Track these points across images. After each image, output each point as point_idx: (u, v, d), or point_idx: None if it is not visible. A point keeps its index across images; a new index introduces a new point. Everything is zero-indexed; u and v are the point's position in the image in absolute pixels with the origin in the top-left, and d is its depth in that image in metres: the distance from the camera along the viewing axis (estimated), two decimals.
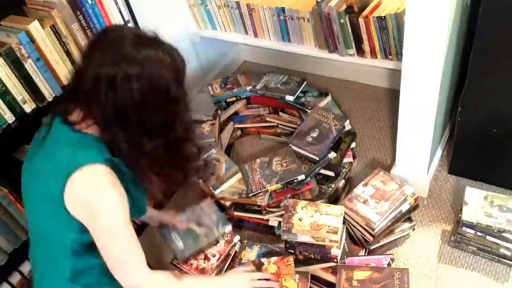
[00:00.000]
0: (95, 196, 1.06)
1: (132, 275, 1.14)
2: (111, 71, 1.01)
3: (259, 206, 1.86)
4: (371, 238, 1.69)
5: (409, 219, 1.80)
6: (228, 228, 1.73)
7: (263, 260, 1.67)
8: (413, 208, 1.77)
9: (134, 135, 1.07)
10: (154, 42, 1.10)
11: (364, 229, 1.70)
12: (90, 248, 1.13)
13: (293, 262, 1.64)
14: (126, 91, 1.01)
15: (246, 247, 1.79)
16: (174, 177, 1.21)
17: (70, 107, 1.12)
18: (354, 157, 2.07)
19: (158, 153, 1.10)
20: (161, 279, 1.20)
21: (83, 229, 1.10)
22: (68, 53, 1.58)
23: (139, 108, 1.04)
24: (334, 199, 1.91)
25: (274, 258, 1.67)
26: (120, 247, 1.11)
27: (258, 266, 1.65)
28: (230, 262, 1.73)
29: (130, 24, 1.76)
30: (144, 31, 1.13)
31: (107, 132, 1.07)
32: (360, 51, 1.93)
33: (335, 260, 1.62)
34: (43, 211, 1.12)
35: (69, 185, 1.03)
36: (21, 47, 1.43)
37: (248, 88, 2.19)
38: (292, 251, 1.67)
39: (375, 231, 1.66)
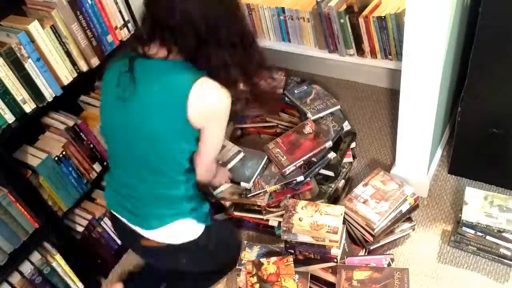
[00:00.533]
0: (215, 98, 1.26)
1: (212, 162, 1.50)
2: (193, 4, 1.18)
3: (259, 206, 1.86)
4: (371, 238, 1.69)
5: (409, 219, 1.80)
6: None
7: (263, 260, 1.67)
8: (413, 208, 1.77)
9: (223, 50, 1.24)
10: None
11: (364, 229, 1.70)
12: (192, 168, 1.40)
13: (292, 262, 1.64)
14: (211, 16, 1.19)
15: (246, 248, 1.79)
16: (255, 83, 1.39)
17: (146, 47, 1.27)
18: (354, 157, 2.07)
19: (242, 61, 1.30)
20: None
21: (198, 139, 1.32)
22: (68, 53, 1.58)
23: (220, 26, 1.22)
24: (334, 199, 1.91)
25: (273, 258, 1.67)
26: (219, 143, 1.41)
27: (258, 266, 1.66)
28: None
29: (130, 24, 1.76)
30: None
31: (198, 56, 1.24)
32: (360, 51, 1.93)
33: (335, 260, 1.62)
34: (167, 134, 1.28)
35: (190, 99, 1.21)
36: (21, 47, 1.43)
37: None
38: (292, 251, 1.67)
39: (375, 231, 1.66)
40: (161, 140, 1.29)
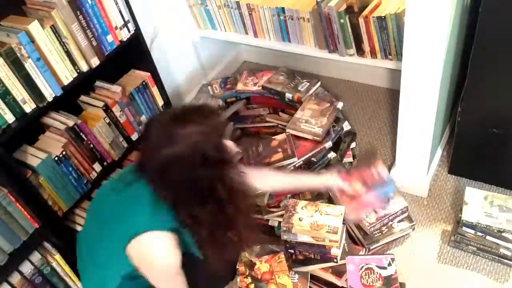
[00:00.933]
0: (150, 259, 1.21)
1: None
2: (159, 155, 1.15)
3: (259, 206, 1.86)
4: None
5: (409, 219, 1.80)
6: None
7: (255, 260, 1.68)
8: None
9: (188, 207, 1.20)
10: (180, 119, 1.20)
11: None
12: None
13: (284, 258, 1.64)
14: (171, 168, 1.15)
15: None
16: (230, 244, 1.29)
17: None
18: (354, 157, 2.07)
19: (214, 220, 1.22)
20: None
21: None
22: (68, 53, 1.58)
23: (184, 183, 1.17)
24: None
25: (265, 257, 1.68)
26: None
27: (250, 267, 1.66)
28: None
29: (130, 24, 1.76)
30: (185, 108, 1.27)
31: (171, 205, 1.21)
32: (360, 51, 1.93)
33: (335, 260, 1.62)
34: (107, 245, 1.27)
35: (134, 242, 1.19)
36: (21, 47, 1.43)
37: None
38: (292, 251, 1.67)
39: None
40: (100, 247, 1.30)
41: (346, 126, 1.93)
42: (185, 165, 1.14)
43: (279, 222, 1.91)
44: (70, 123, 1.67)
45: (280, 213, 1.84)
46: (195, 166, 1.15)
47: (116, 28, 1.71)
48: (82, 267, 1.44)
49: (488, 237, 1.66)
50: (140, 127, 1.90)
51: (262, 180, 1.63)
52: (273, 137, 1.90)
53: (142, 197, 1.22)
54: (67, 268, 1.70)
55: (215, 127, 1.20)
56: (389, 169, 2.05)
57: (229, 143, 1.26)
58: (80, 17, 1.58)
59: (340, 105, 1.88)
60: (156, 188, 1.20)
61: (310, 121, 1.86)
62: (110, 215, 1.28)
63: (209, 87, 2.30)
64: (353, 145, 1.99)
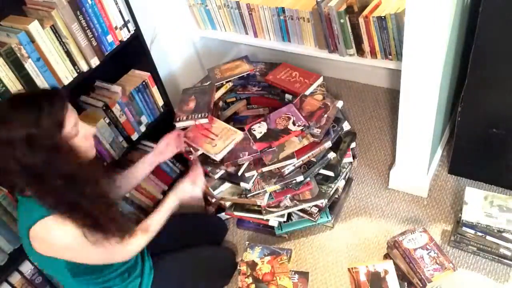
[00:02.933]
0: (51, 243, 1.27)
1: (117, 258, 1.42)
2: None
3: (259, 206, 1.86)
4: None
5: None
6: None
7: (257, 260, 1.68)
8: None
9: (29, 187, 1.24)
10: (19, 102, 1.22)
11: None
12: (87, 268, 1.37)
13: (287, 260, 1.64)
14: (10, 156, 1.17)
15: (248, 248, 1.79)
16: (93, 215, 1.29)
17: None
18: (354, 157, 2.07)
19: (62, 201, 1.24)
20: (136, 241, 1.43)
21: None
22: (68, 53, 1.58)
23: (19, 166, 1.18)
24: (334, 200, 1.91)
25: (267, 258, 1.67)
26: (93, 257, 1.35)
27: (252, 267, 1.66)
28: None
29: (130, 24, 1.76)
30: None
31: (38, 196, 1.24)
32: (360, 51, 1.93)
33: None
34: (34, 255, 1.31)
35: (31, 239, 1.26)
36: (21, 47, 1.43)
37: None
38: None
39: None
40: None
41: (346, 126, 1.93)
42: (14, 148, 1.15)
43: (279, 222, 1.91)
44: None
45: (280, 213, 1.84)
46: (22, 149, 1.16)
47: (116, 28, 1.71)
48: None
49: (488, 237, 1.66)
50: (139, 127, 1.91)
51: (127, 181, 1.69)
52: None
53: (20, 203, 1.31)
54: None
55: (49, 111, 1.20)
56: (389, 169, 2.06)
57: (81, 126, 1.28)
58: (80, 17, 1.58)
59: (340, 104, 1.88)
60: (15, 187, 1.27)
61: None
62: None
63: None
64: (353, 145, 1.99)
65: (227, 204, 1.93)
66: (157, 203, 1.98)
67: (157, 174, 2.13)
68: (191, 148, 1.78)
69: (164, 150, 1.74)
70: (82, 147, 1.29)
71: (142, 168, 1.71)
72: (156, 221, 1.50)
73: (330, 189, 1.87)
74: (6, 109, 1.19)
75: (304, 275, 1.71)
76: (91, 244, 1.28)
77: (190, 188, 1.61)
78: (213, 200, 1.91)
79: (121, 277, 1.48)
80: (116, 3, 1.69)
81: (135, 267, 1.53)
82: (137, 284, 1.53)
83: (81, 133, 1.28)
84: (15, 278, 1.60)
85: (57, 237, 1.25)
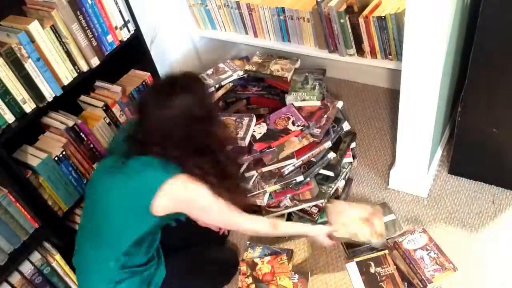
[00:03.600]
0: (188, 193, 1.38)
1: (233, 225, 1.57)
2: (158, 116, 1.34)
3: (259, 206, 1.86)
4: None
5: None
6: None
7: (257, 260, 1.68)
8: None
9: (191, 159, 1.38)
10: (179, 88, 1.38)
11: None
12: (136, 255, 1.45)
13: (286, 260, 1.64)
14: (171, 128, 1.35)
15: (249, 248, 1.79)
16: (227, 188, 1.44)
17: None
18: (354, 157, 2.07)
19: (214, 168, 1.40)
20: (260, 222, 1.57)
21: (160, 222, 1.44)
22: (68, 53, 1.58)
23: (184, 139, 1.36)
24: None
25: (267, 258, 1.67)
26: (219, 215, 1.46)
27: (252, 267, 1.66)
28: None
29: (130, 24, 1.76)
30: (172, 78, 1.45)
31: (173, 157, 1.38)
32: (360, 51, 1.93)
33: None
34: (122, 214, 1.39)
35: (160, 194, 1.33)
36: (21, 47, 1.43)
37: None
38: None
39: None
40: (114, 217, 1.41)
41: (346, 126, 1.93)
42: (181, 124, 1.34)
43: None
44: (70, 123, 1.67)
45: (280, 213, 1.84)
46: (188, 124, 1.34)
47: (116, 28, 1.71)
48: (80, 260, 1.53)
49: None
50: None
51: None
52: None
53: (147, 163, 1.36)
54: (67, 268, 1.70)
55: (200, 91, 1.43)
56: (389, 169, 2.06)
57: (211, 101, 1.54)
58: (80, 17, 1.58)
59: (340, 105, 1.88)
60: (160, 150, 1.36)
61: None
62: (118, 189, 1.38)
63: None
64: (353, 145, 1.99)
65: None
66: None
67: None
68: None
69: (318, 240, 1.78)
70: None
71: (289, 231, 1.82)
72: (287, 228, 1.68)
73: (330, 189, 1.87)
74: (165, 91, 1.37)
75: (304, 275, 1.71)
76: (217, 200, 1.40)
77: (325, 241, 1.66)
78: None
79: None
80: (116, 3, 1.69)
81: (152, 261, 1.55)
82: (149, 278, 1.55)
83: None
84: (15, 278, 1.59)
85: (192, 189, 1.36)
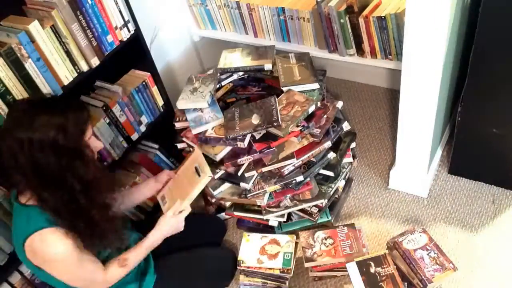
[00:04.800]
0: (44, 256, 1.28)
1: (96, 285, 1.43)
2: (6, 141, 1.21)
3: (259, 206, 1.86)
4: None
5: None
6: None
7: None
8: None
9: (39, 190, 1.25)
10: (44, 106, 1.27)
11: None
12: None
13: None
14: (19, 156, 1.21)
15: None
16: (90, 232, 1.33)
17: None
18: (354, 157, 2.07)
19: (68, 207, 1.27)
20: (114, 271, 1.44)
21: None
22: (68, 53, 1.58)
23: (35, 167, 1.22)
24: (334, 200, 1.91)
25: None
26: (78, 278, 1.36)
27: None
28: None
29: (130, 24, 1.76)
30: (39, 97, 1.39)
31: (43, 203, 1.27)
32: (360, 51, 1.93)
33: None
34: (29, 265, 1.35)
35: (26, 248, 1.28)
36: (21, 47, 1.43)
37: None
38: None
39: None
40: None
41: (346, 126, 1.92)
42: (36, 149, 1.20)
43: (279, 222, 1.91)
44: None
45: (280, 213, 1.84)
46: (45, 151, 1.20)
47: (116, 28, 1.71)
48: None
49: None
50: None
51: (128, 199, 1.72)
52: None
53: (16, 211, 1.32)
54: None
55: (76, 119, 1.27)
56: (389, 169, 2.06)
57: (93, 139, 1.36)
58: (80, 17, 1.58)
59: (340, 105, 1.88)
60: (11, 173, 1.25)
61: None
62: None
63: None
64: (353, 145, 1.99)
65: (227, 204, 1.93)
66: (156, 204, 1.98)
67: (156, 173, 2.13)
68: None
69: (162, 184, 1.73)
70: None
71: (144, 192, 1.74)
72: (134, 256, 1.49)
73: (330, 189, 1.87)
74: (32, 110, 1.24)
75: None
76: (79, 263, 1.31)
77: (175, 222, 1.55)
78: (213, 200, 1.91)
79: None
80: (116, 3, 1.69)
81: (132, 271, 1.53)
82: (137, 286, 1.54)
83: (92, 146, 1.35)
84: (15, 278, 1.59)
85: (52, 249, 1.26)
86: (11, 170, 1.24)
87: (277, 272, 1.71)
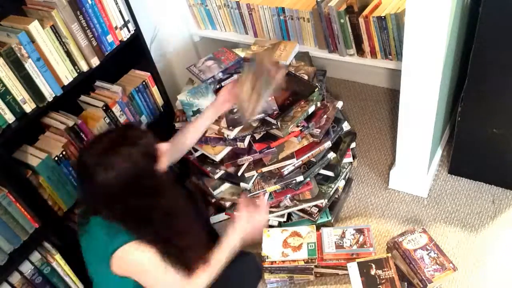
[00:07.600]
0: (136, 267, 1.30)
1: None
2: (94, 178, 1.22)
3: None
4: None
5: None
6: None
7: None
8: None
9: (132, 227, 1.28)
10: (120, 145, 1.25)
11: None
12: None
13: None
14: (108, 195, 1.24)
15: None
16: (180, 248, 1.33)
17: None
18: (354, 157, 2.07)
19: (158, 238, 1.29)
20: (199, 281, 1.37)
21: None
22: (68, 53, 1.58)
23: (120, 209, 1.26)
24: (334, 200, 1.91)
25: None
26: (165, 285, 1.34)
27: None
28: None
29: (130, 24, 1.76)
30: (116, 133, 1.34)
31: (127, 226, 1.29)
32: (360, 51, 1.93)
33: None
34: (102, 275, 1.37)
35: (113, 261, 1.28)
36: (21, 47, 1.43)
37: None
38: None
39: None
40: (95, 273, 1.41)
41: (346, 126, 1.93)
42: (119, 193, 1.23)
43: (279, 222, 1.91)
44: (70, 123, 1.67)
45: (280, 213, 1.84)
46: (129, 195, 1.24)
47: (116, 28, 1.71)
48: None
49: None
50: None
51: (192, 135, 1.66)
52: None
53: (101, 225, 1.30)
54: (67, 268, 1.70)
55: (145, 150, 1.27)
56: (389, 169, 2.06)
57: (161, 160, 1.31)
58: (80, 17, 1.58)
59: (340, 105, 1.88)
60: (103, 214, 1.29)
61: None
62: (89, 254, 1.40)
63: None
64: (353, 145, 1.99)
65: (227, 204, 1.93)
66: None
67: None
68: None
69: (221, 106, 1.65)
70: None
71: (204, 122, 1.66)
72: (218, 261, 1.42)
73: (330, 189, 1.87)
74: (108, 149, 1.23)
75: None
76: (165, 271, 1.30)
77: (256, 223, 1.49)
78: (213, 200, 1.91)
79: None
80: (116, 3, 1.69)
81: None
82: None
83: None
84: (15, 278, 1.59)
85: (139, 260, 1.28)
86: (99, 207, 1.28)
87: (301, 264, 1.69)
